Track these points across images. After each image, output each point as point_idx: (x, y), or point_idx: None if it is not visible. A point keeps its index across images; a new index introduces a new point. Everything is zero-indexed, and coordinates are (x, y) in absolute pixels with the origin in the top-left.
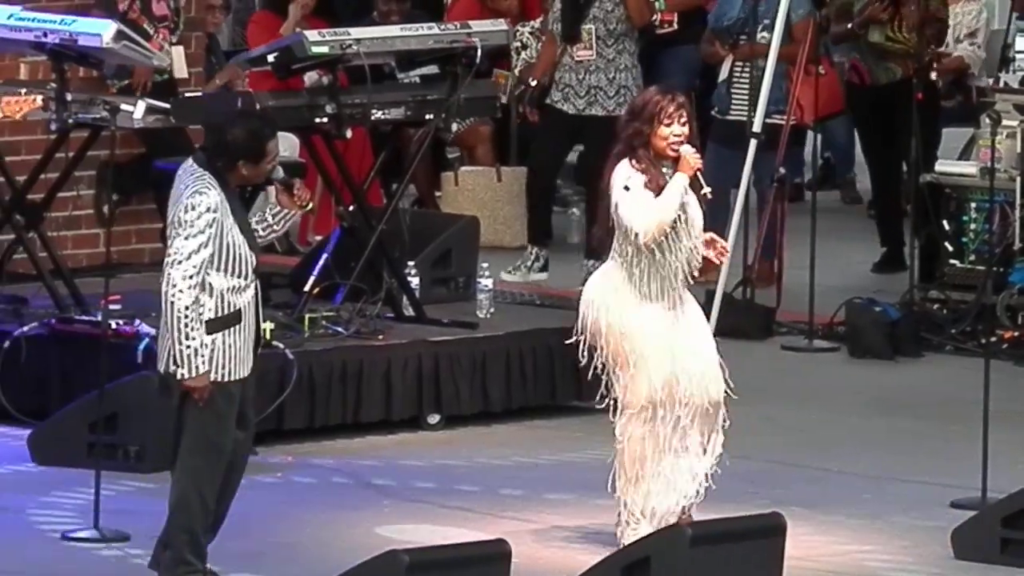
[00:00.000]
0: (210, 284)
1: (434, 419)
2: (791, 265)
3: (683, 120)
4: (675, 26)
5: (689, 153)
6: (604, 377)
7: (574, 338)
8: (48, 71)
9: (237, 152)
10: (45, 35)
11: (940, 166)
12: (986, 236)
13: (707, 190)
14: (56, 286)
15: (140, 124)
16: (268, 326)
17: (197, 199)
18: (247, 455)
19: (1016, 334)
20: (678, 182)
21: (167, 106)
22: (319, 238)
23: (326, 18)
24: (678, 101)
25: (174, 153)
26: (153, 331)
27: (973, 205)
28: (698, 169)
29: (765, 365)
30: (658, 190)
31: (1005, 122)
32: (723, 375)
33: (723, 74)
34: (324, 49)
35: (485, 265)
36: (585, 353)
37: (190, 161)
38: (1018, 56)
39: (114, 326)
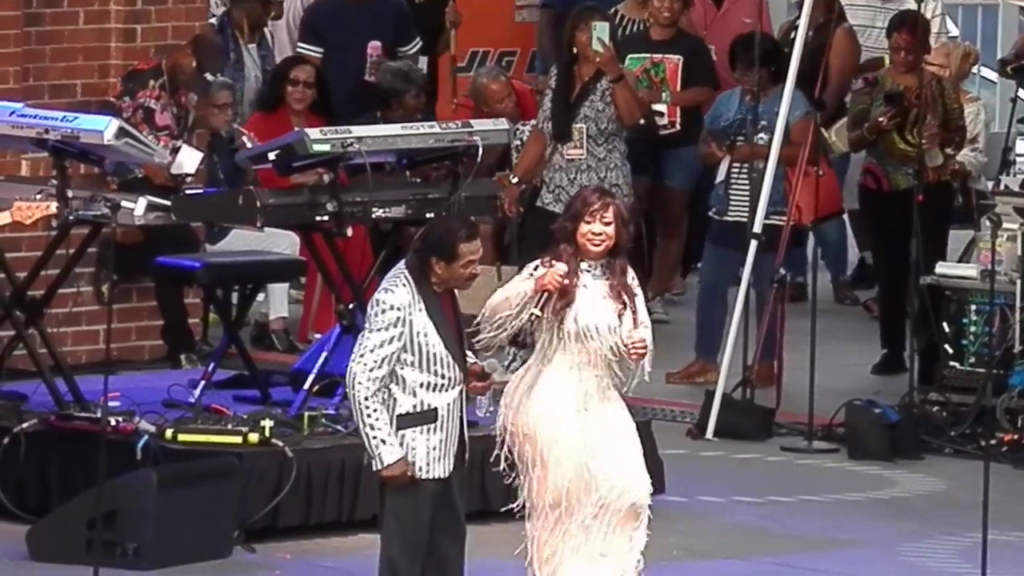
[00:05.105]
0: (402, 378)
1: None
2: (791, 366)
3: (606, 220)
4: (678, 127)
5: (556, 270)
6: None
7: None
8: (49, 168)
9: (429, 248)
10: (47, 132)
11: (940, 268)
12: (986, 339)
13: (536, 312)
14: (55, 383)
15: (141, 221)
16: (268, 424)
17: (382, 295)
18: (461, 559)
19: (1016, 437)
20: (523, 285)
21: (168, 203)
22: (319, 336)
23: (324, 115)
24: (605, 200)
25: (177, 249)
26: (153, 428)
27: (973, 307)
28: (546, 290)
29: (764, 466)
30: (559, 291)
31: (1005, 225)
32: (646, 477)
33: (720, 175)
34: (325, 147)
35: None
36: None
37: (400, 263)
38: (1018, 159)
39: (113, 423)
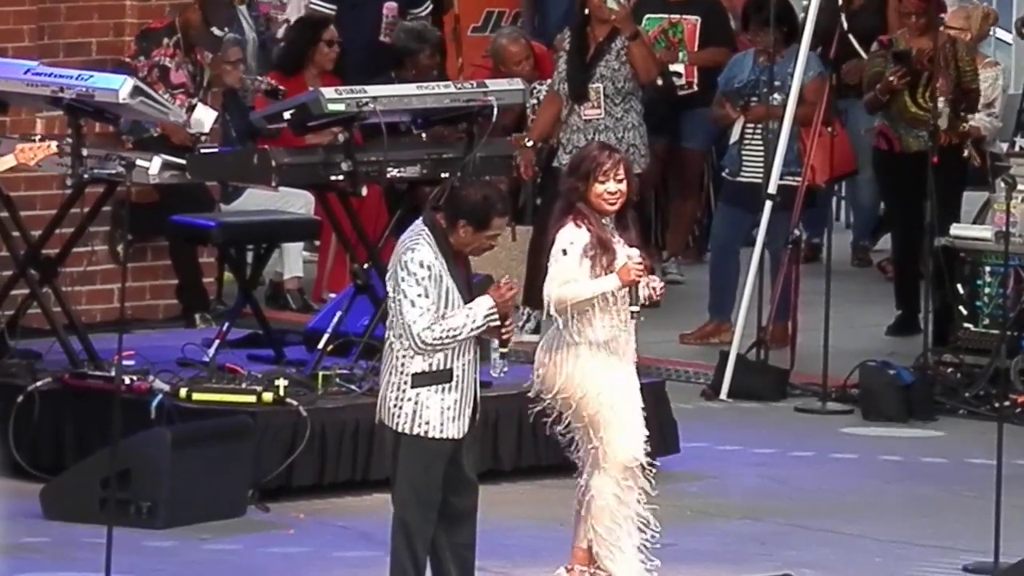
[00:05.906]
0: None
1: None
2: (805, 327)
3: (619, 177)
4: (695, 88)
5: (633, 260)
6: (574, 439)
7: (539, 400)
8: (64, 126)
9: (462, 210)
10: (62, 90)
11: (955, 230)
12: (1000, 300)
13: (636, 309)
14: (70, 341)
15: (156, 180)
16: (282, 383)
17: (409, 255)
18: (474, 519)
19: None
20: (607, 283)
21: (183, 162)
22: (333, 295)
23: (338, 75)
24: (615, 158)
25: (191, 208)
26: (167, 387)
27: (987, 269)
28: (634, 282)
29: (778, 427)
30: (600, 245)
31: (1020, 186)
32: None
33: (734, 136)
34: (340, 107)
35: None
36: (552, 415)
37: (419, 220)
38: None
39: (128, 382)
